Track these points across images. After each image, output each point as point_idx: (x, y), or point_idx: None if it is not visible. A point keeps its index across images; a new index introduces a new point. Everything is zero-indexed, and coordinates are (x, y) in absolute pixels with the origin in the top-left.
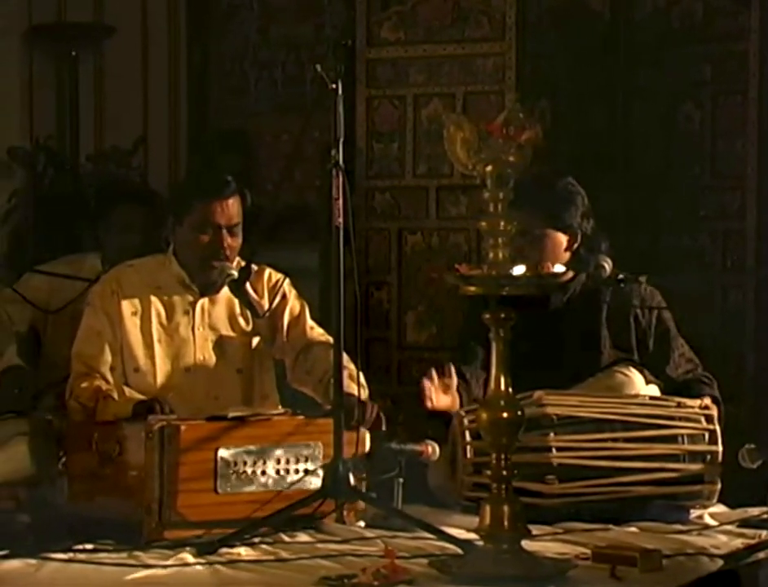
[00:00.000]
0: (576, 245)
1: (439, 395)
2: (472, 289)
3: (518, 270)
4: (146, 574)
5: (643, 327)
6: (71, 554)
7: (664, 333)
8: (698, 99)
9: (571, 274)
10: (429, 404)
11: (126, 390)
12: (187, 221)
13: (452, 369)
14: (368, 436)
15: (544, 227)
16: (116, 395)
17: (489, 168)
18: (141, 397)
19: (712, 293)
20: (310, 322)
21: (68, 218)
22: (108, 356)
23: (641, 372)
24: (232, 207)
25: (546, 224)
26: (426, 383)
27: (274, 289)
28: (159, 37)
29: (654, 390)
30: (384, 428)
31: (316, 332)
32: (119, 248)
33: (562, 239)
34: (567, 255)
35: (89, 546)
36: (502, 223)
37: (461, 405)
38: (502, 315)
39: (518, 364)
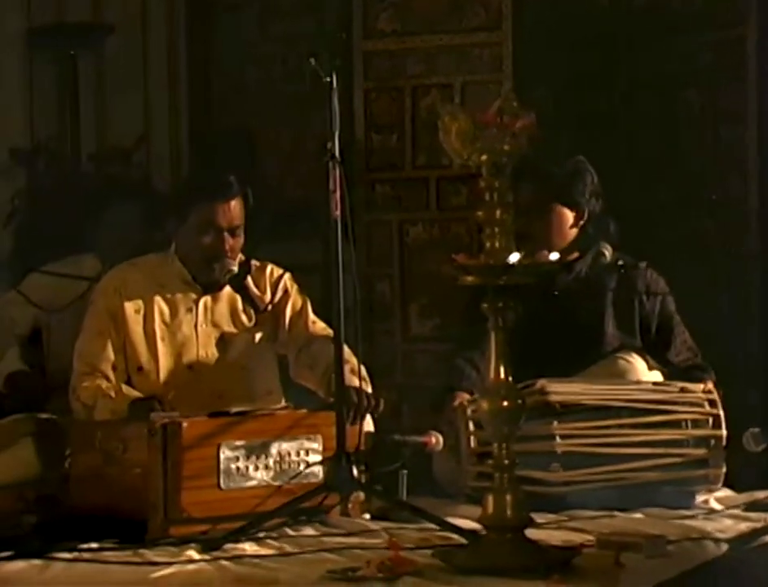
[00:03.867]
0: (582, 223)
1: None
2: (470, 278)
3: (514, 258)
4: (161, 573)
5: (647, 312)
6: (76, 554)
7: (667, 319)
8: (698, 85)
9: (575, 254)
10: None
11: (123, 387)
12: (190, 222)
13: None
14: (372, 427)
15: (550, 202)
16: (113, 394)
17: (484, 157)
18: (138, 395)
19: (715, 279)
20: (312, 317)
21: (70, 219)
22: (110, 354)
23: (643, 358)
24: (234, 209)
25: (553, 199)
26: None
27: (276, 285)
28: (159, 34)
29: (657, 376)
30: (381, 409)
31: (318, 326)
32: (118, 246)
33: (569, 215)
34: (574, 232)
35: (94, 545)
36: (498, 212)
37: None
38: (500, 305)
39: (521, 346)
